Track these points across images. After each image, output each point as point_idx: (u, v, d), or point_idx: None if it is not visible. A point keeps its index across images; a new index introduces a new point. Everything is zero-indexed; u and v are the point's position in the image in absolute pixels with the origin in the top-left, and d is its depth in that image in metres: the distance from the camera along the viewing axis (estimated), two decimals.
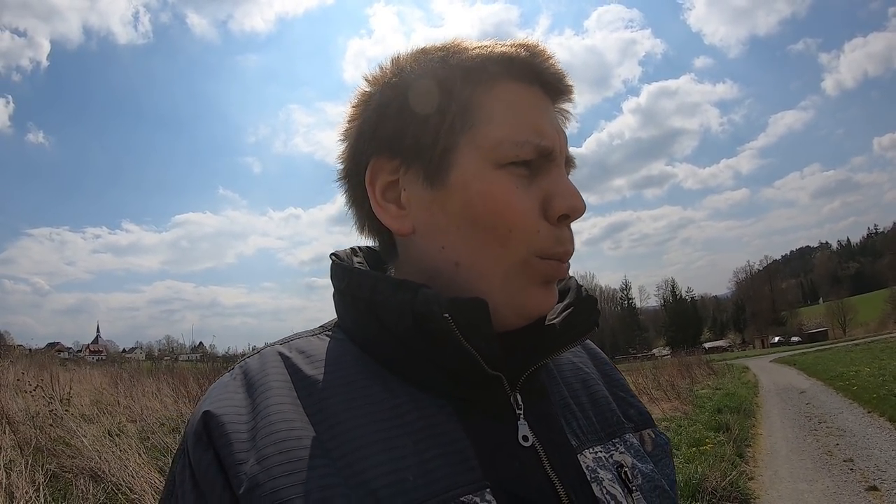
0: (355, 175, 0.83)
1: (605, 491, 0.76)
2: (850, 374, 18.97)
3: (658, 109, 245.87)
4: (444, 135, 0.76)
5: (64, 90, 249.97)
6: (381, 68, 0.83)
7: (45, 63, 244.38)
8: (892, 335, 55.15)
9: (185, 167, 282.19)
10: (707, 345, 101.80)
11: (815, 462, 8.37)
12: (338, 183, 0.88)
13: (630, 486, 0.79)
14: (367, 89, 0.83)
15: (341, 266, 0.81)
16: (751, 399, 16.13)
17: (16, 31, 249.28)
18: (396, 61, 0.82)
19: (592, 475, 0.77)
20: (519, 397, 0.77)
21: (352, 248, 0.90)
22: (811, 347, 61.22)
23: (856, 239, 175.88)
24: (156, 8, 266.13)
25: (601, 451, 0.81)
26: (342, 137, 0.85)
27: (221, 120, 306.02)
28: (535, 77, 0.80)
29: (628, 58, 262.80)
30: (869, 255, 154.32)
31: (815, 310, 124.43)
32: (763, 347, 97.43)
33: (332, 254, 0.86)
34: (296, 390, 0.71)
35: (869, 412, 12.03)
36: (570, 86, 0.83)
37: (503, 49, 0.79)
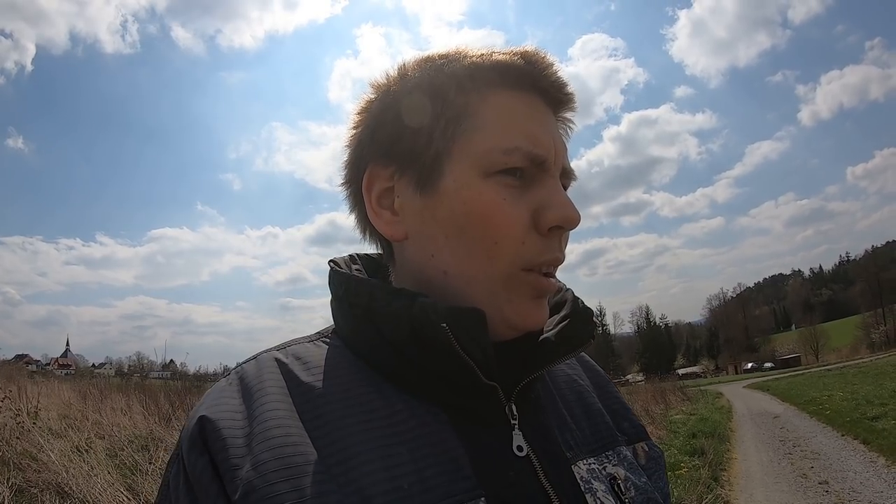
0: (356, 181, 0.84)
1: (598, 502, 0.75)
2: (824, 399, 19.24)
3: (638, 138, 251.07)
4: (435, 142, 0.76)
5: (47, 96, 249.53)
6: (387, 75, 0.83)
7: (29, 67, 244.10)
8: (864, 360, 55.91)
9: (165, 181, 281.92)
10: (681, 371, 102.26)
11: (790, 485, 8.43)
12: (341, 188, 0.87)
13: (623, 498, 0.79)
14: (371, 96, 0.83)
15: (340, 273, 0.81)
16: (725, 424, 16.27)
17: (1, 33, 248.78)
18: (401, 69, 0.82)
19: (586, 486, 0.76)
20: (514, 407, 0.77)
21: (350, 256, 0.90)
22: (784, 373, 61.76)
23: (828, 266, 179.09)
24: (144, 18, 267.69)
25: (594, 463, 0.81)
26: (346, 144, 0.85)
27: (205, 134, 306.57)
28: (533, 85, 0.79)
29: (611, 86, 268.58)
30: (841, 282, 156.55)
31: (788, 336, 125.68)
32: (736, 373, 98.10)
33: (331, 260, 0.86)
34: (292, 397, 0.71)
35: (843, 435, 12.20)
36: (571, 94, 0.83)
37: (500, 57, 0.78)
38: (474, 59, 0.78)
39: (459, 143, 0.75)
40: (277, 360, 0.76)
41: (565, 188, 0.81)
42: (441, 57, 0.80)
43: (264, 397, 0.70)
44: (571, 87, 0.82)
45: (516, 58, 0.79)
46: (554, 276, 0.78)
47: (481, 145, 0.74)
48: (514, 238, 0.74)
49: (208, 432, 0.67)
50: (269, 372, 0.74)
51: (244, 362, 0.78)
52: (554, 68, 0.80)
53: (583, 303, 0.86)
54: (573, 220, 0.75)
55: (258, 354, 0.78)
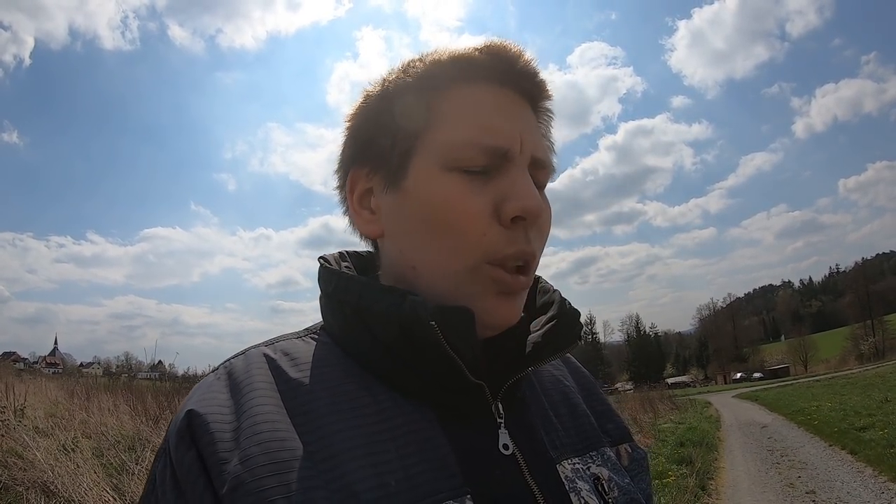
0: (343, 185, 0.86)
1: (582, 501, 0.76)
2: (812, 409, 19.30)
3: (633, 147, 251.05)
4: (400, 141, 0.78)
5: (44, 90, 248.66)
6: (371, 82, 0.85)
7: (27, 61, 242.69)
8: (852, 371, 56.12)
9: (160, 180, 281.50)
10: (670, 380, 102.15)
11: (777, 494, 8.46)
12: (336, 191, 0.89)
13: (606, 498, 0.79)
14: (360, 102, 0.85)
15: (329, 270, 0.82)
16: (713, 433, 16.28)
17: (0, 25, 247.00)
18: (384, 74, 0.84)
19: (571, 485, 0.77)
20: (500, 406, 0.77)
21: (340, 253, 0.90)
22: (773, 383, 61.75)
23: (818, 278, 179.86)
24: (144, 16, 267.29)
25: (579, 463, 0.81)
26: (339, 149, 0.87)
27: (201, 134, 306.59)
28: (498, 78, 0.79)
29: (609, 94, 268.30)
30: (830, 293, 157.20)
31: (777, 347, 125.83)
32: (725, 383, 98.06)
33: (321, 257, 0.87)
34: (280, 392, 0.71)
35: (830, 445, 12.24)
36: (541, 83, 0.83)
37: (462, 52, 0.79)
38: (436, 56, 0.80)
39: (422, 140, 0.76)
40: (266, 355, 0.76)
41: (541, 181, 0.81)
42: (416, 59, 0.82)
43: (252, 392, 0.70)
44: (542, 77, 0.83)
45: (477, 52, 0.79)
46: (526, 274, 0.77)
47: (442, 140, 0.76)
48: (476, 229, 0.74)
49: (196, 426, 0.67)
50: (258, 367, 0.74)
51: (232, 357, 0.78)
52: (523, 59, 0.80)
53: (570, 304, 0.86)
54: (533, 210, 0.74)
55: (247, 350, 0.79)
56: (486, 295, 0.75)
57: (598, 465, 0.83)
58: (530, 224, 0.76)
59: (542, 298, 0.89)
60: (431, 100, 0.78)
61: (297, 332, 0.83)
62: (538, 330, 0.82)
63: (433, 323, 0.69)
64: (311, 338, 0.81)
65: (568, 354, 0.97)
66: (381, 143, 0.80)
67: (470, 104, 0.77)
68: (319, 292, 0.84)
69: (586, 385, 0.98)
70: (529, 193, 0.74)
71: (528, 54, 0.81)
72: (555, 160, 0.85)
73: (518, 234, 0.75)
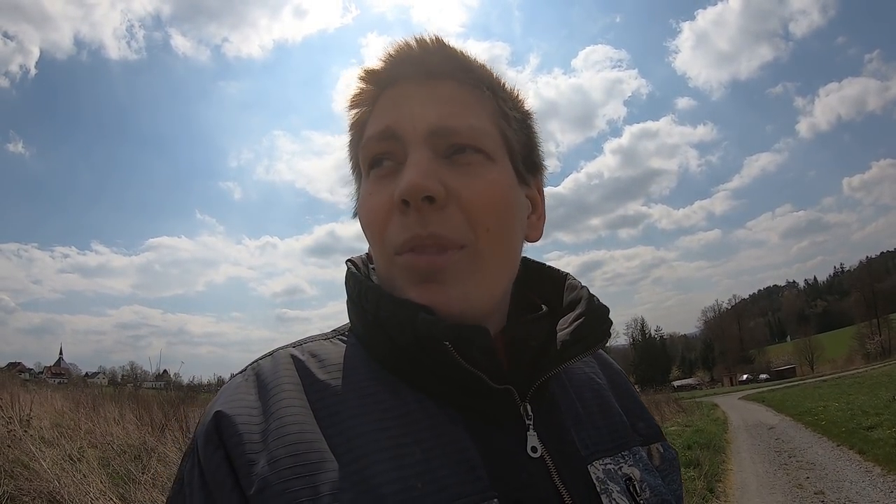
0: None
1: (613, 502, 0.75)
2: (819, 410, 19.23)
3: (639, 150, 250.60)
4: (354, 157, 0.87)
5: (50, 100, 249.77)
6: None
7: (33, 70, 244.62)
8: (859, 371, 55.99)
9: (165, 189, 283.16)
10: (676, 383, 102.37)
11: (786, 495, 8.43)
12: None
13: (638, 499, 0.78)
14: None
15: (354, 276, 0.82)
16: (720, 435, 16.24)
17: (6, 35, 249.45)
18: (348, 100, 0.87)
19: (602, 486, 0.76)
20: (529, 408, 0.77)
21: (367, 254, 0.90)
22: (779, 384, 61.77)
23: (822, 278, 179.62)
24: (150, 25, 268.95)
25: (611, 463, 0.81)
26: None
27: (208, 142, 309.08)
28: (403, 74, 0.81)
29: (614, 97, 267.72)
30: (835, 293, 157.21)
31: (783, 347, 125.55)
32: (732, 385, 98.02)
33: (349, 259, 0.87)
34: (307, 394, 0.71)
35: (838, 445, 12.22)
36: (446, 58, 0.81)
37: (372, 68, 0.82)
38: (363, 72, 0.83)
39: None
40: (293, 356, 0.76)
41: (462, 143, 0.76)
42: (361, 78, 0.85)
43: (280, 394, 0.70)
44: (450, 52, 0.81)
45: (381, 62, 0.81)
46: (435, 253, 0.73)
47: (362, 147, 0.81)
48: (379, 225, 0.76)
49: (224, 427, 0.67)
50: (285, 368, 0.74)
51: (260, 358, 0.78)
52: (420, 47, 0.80)
53: (598, 300, 0.85)
54: (408, 189, 0.71)
55: (274, 351, 0.79)
56: (406, 286, 0.74)
57: (629, 466, 0.82)
58: (426, 205, 0.72)
59: (569, 296, 0.88)
60: (362, 115, 0.83)
61: (324, 334, 0.84)
62: (566, 328, 0.82)
63: (447, 343, 0.69)
64: (339, 339, 0.81)
65: (600, 351, 0.96)
66: (352, 160, 0.87)
67: (378, 108, 0.81)
68: (346, 296, 0.84)
69: (618, 382, 0.98)
70: (409, 172, 0.72)
71: (430, 39, 0.81)
72: (510, 117, 0.83)
73: (409, 218, 0.73)
